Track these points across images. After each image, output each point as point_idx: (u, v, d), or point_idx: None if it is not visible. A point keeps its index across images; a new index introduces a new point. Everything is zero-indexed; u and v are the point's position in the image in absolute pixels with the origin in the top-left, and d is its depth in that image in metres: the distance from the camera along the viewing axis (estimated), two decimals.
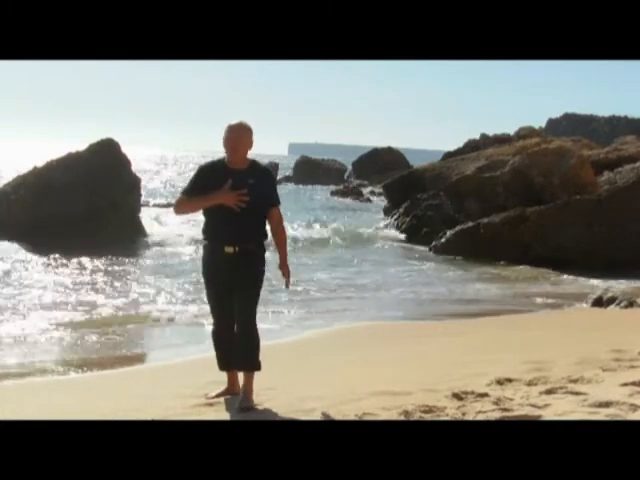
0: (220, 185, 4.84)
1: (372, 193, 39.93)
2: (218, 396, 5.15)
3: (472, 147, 26.48)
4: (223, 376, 5.22)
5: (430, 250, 17.52)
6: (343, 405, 4.86)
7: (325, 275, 13.57)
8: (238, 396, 5.03)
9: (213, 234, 5.00)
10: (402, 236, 20.16)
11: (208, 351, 5.49)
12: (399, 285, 13.00)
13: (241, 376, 5.09)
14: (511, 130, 27.46)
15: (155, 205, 27.26)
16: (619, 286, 12.48)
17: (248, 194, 4.81)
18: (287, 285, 5.07)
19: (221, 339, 5.10)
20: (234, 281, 4.90)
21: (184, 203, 5.05)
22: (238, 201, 4.79)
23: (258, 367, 4.96)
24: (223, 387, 5.21)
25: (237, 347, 4.96)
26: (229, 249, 4.89)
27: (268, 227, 5.08)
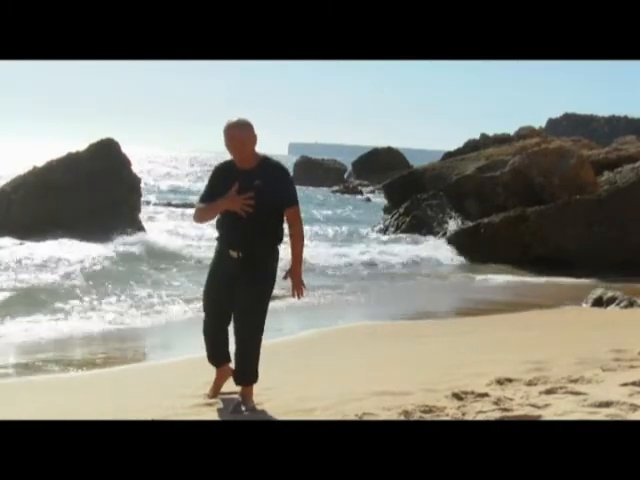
0: (229, 188, 4.63)
1: (372, 192, 39.96)
2: (215, 390, 5.12)
3: (472, 147, 26.47)
4: None
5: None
6: (343, 405, 4.85)
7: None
8: (235, 396, 5.02)
9: (221, 236, 4.88)
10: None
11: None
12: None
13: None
14: (511, 130, 27.46)
15: (155, 205, 27.26)
16: (619, 286, 12.48)
17: (254, 197, 4.56)
18: (295, 295, 4.81)
19: (209, 337, 5.01)
20: (237, 283, 4.72)
21: (198, 212, 4.90)
22: (244, 205, 4.56)
23: (254, 380, 4.86)
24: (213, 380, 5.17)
25: (235, 358, 4.85)
26: (233, 253, 4.74)
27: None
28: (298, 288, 4.81)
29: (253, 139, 4.67)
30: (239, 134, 4.62)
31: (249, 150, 4.66)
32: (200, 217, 4.96)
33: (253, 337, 4.77)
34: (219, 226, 4.90)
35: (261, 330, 4.79)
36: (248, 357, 4.80)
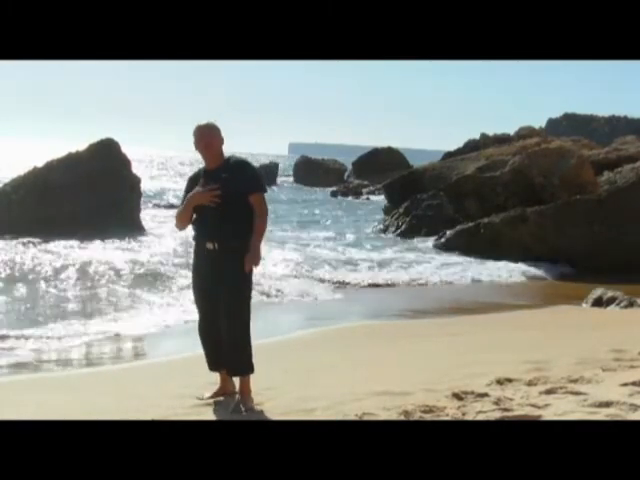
0: (198, 185, 4.90)
1: (372, 193, 39.95)
2: (212, 397, 5.12)
3: (472, 147, 26.49)
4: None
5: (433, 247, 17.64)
6: (343, 405, 4.86)
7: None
8: (234, 396, 5.02)
9: (196, 232, 5.01)
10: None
11: None
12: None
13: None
14: (511, 130, 27.46)
15: (155, 205, 27.24)
16: (619, 286, 12.48)
17: (221, 188, 4.79)
18: (250, 264, 4.79)
19: (206, 338, 5.06)
20: (217, 279, 4.83)
21: (176, 217, 5.10)
22: (212, 197, 4.79)
23: (250, 371, 4.90)
24: (217, 387, 5.17)
25: (226, 350, 4.89)
26: (209, 245, 4.87)
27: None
28: (254, 258, 4.80)
29: (220, 139, 4.98)
30: (207, 133, 4.94)
31: (216, 149, 4.96)
32: (178, 220, 5.10)
33: (242, 327, 4.87)
34: (193, 223, 5.04)
35: (249, 320, 4.90)
36: (240, 347, 4.86)
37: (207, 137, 4.92)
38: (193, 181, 5.05)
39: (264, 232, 4.94)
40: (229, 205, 4.81)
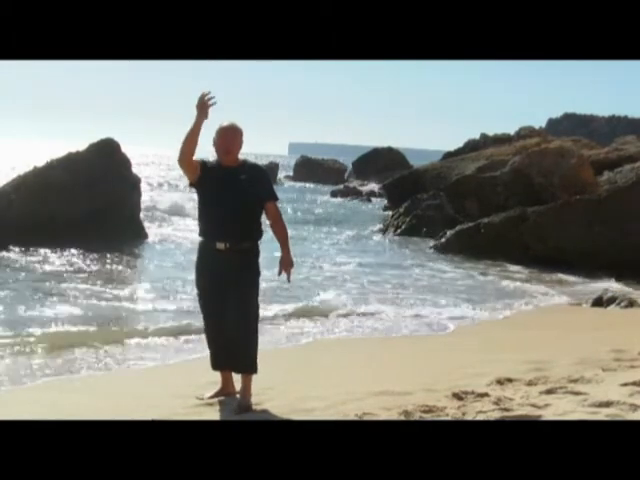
0: (214, 179, 4.90)
1: (372, 193, 39.95)
2: (212, 397, 5.13)
3: (472, 147, 26.54)
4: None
5: (431, 248, 17.54)
6: (343, 405, 4.86)
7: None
8: (235, 396, 5.03)
9: (206, 230, 5.00)
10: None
11: (207, 351, 5.48)
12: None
13: (237, 376, 5.07)
14: (511, 130, 27.50)
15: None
16: (619, 286, 12.48)
17: (240, 189, 4.86)
18: (288, 279, 5.07)
19: (212, 339, 5.08)
20: (227, 279, 4.86)
21: (181, 147, 4.83)
22: (207, 99, 4.73)
23: (255, 370, 4.93)
24: (218, 387, 5.19)
25: (233, 349, 4.91)
26: (220, 245, 4.88)
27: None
28: (290, 263, 5.02)
29: (241, 143, 5.03)
30: (233, 136, 4.96)
31: (236, 151, 4.99)
32: (182, 148, 4.83)
33: (251, 327, 4.91)
34: (202, 222, 5.03)
35: (257, 321, 4.97)
36: (250, 345, 4.89)
37: (229, 143, 4.92)
38: (207, 166, 4.96)
39: (288, 236, 5.08)
40: (246, 207, 4.90)
